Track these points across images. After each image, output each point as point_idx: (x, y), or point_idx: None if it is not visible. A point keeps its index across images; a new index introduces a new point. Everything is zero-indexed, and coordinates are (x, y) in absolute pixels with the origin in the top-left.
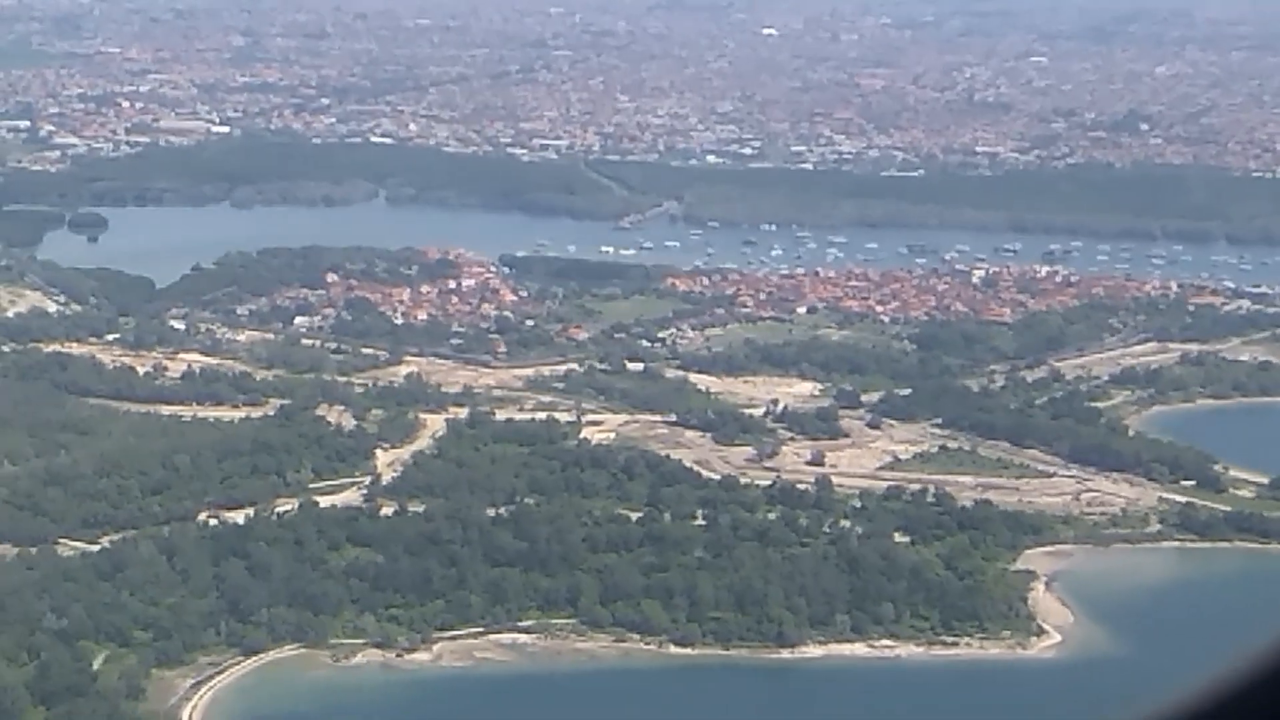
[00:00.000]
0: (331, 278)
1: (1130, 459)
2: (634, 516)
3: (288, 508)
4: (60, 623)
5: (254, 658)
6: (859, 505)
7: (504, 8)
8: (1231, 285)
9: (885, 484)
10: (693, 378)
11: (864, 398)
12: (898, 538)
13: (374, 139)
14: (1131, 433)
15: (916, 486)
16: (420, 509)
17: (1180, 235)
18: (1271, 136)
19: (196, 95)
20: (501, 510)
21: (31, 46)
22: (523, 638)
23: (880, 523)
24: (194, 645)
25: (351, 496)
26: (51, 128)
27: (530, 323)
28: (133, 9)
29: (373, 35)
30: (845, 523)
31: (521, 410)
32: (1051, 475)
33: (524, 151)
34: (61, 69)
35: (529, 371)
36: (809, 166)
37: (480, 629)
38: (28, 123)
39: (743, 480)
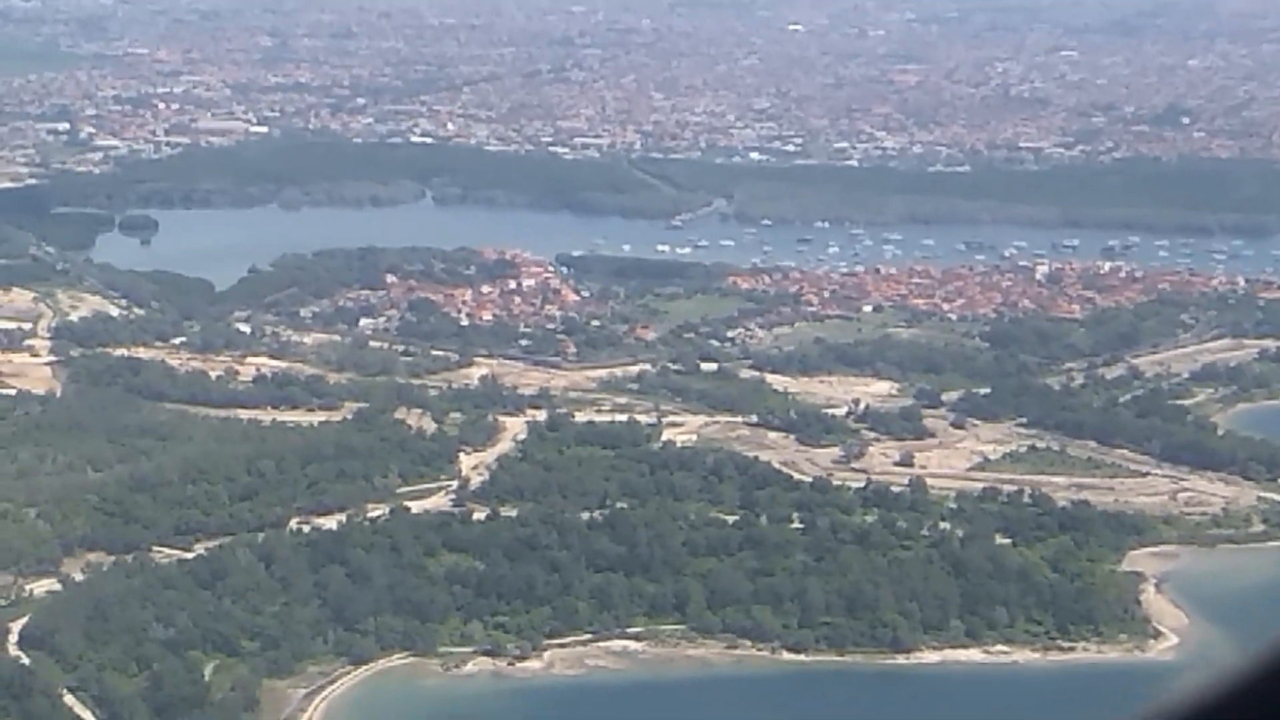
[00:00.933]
0: (391, 279)
1: (1224, 457)
2: (729, 520)
3: (378, 513)
4: (167, 632)
5: (363, 667)
6: (955, 507)
7: (526, 6)
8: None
9: (978, 485)
10: (768, 378)
11: (943, 397)
12: (999, 540)
13: (414, 139)
14: (1221, 431)
15: (1011, 487)
16: (513, 513)
17: (1237, 229)
18: None
19: (230, 96)
20: (595, 514)
21: (60, 49)
22: (633, 645)
23: (980, 524)
24: (303, 655)
25: (440, 501)
26: (91, 129)
27: (596, 323)
28: (156, 10)
29: (399, 34)
30: (944, 525)
31: (599, 412)
32: (1145, 475)
33: (566, 150)
34: (93, 70)
35: (601, 373)
36: (854, 163)
37: (589, 636)
38: (67, 125)
39: (834, 482)
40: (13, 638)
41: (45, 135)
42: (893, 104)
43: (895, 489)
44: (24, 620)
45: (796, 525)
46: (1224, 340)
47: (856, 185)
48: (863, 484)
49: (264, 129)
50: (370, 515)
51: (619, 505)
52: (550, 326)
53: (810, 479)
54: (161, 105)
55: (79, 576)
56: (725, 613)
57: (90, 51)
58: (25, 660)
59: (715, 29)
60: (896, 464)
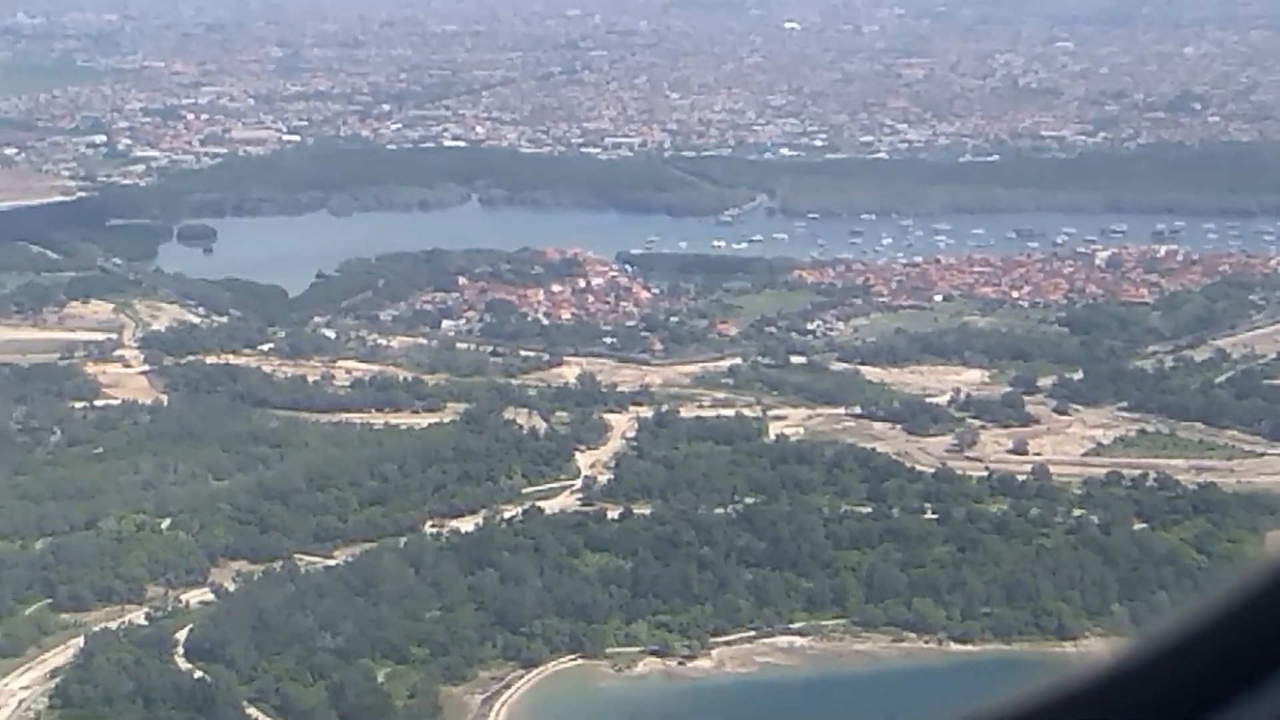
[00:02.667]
0: (462, 280)
1: None
2: (863, 512)
3: (512, 514)
4: (335, 641)
5: (535, 670)
6: (1084, 493)
7: (523, 11)
8: None
9: (1099, 470)
10: (861, 369)
11: (1039, 383)
12: (1136, 525)
13: (447, 143)
14: None
15: (1134, 471)
16: (646, 511)
17: (1277, 210)
18: None
19: (255, 105)
20: (729, 510)
21: (77, 64)
22: (799, 640)
23: (1116, 510)
24: (473, 660)
25: (568, 501)
26: (128, 141)
27: (675, 319)
28: (163, 24)
29: (406, 42)
30: (1078, 511)
31: (701, 408)
32: (1262, 455)
33: (598, 150)
34: (115, 84)
35: (693, 368)
36: (884, 156)
37: (753, 633)
38: (103, 137)
39: (956, 472)
40: (179, 650)
41: (83, 149)
42: (906, 97)
43: (1019, 477)
44: (186, 631)
45: (931, 516)
46: None
47: (892, 177)
48: (985, 473)
49: (296, 137)
50: (505, 516)
51: (748, 500)
52: (631, 324)
53: (931, 469)
54: (190, 116)
55: (230, 586)
56: (885, 606)
57: (107, 66)
58: (198, 673)
59: (713, 29)
60: (1010, 451)
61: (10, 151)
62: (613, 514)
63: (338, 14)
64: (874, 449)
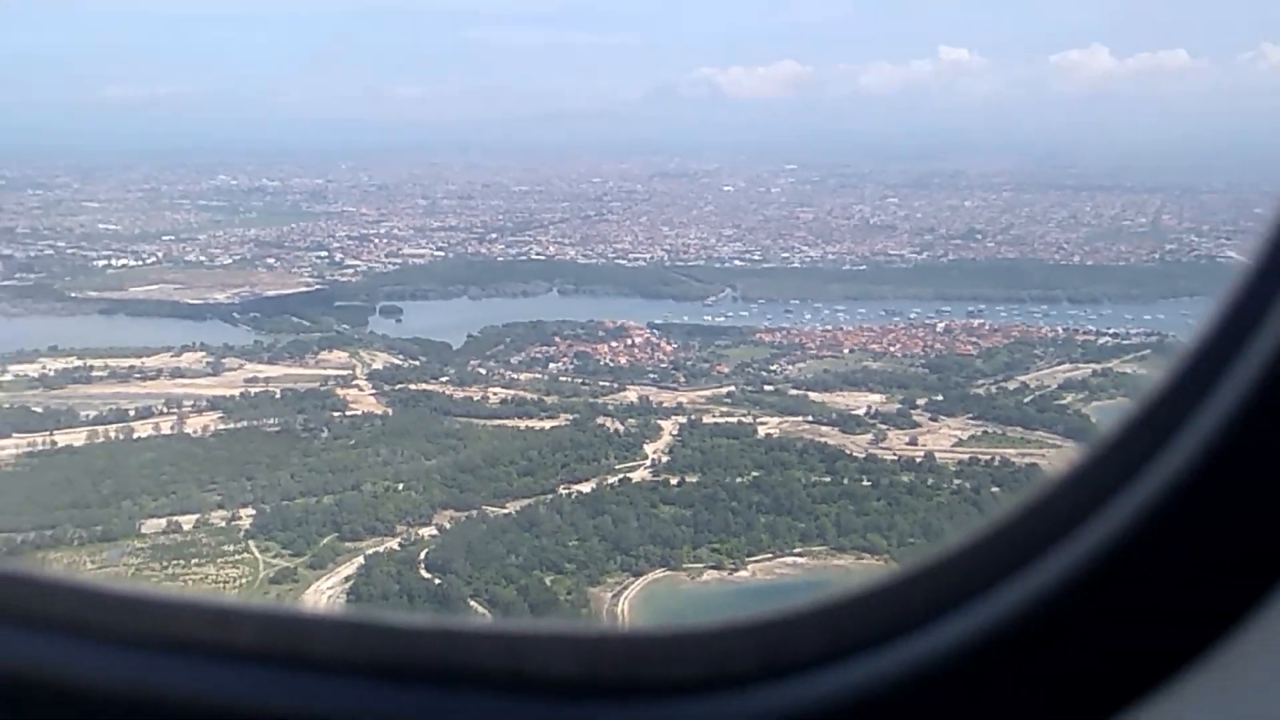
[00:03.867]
0: (557, 339)
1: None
2: (825, 481)
3: (612, 481)
4: (518, 560)
5: (640, 578)
6: (957, 470)
7: (566, 179)
8: (1093, 328)
9: (965, 455)
10: (809, 394)
11: (918, 402)
12: (994, 489)
13: (532, 256)
14: (1093, 419)
15: (986, 456)
16: (694, 480)
17: (1040, 299)
18: (1059, 240)
19: (414, 234)
20: (743, 479)
21: (302, 209)
22: (799, 560)
23: (978, 479)
24: (603, 571)
25: (643, 475)
26: (340, 255)
27: (689, 363)
28: (351, 185)
29: (498, 196)
30: (957, 481)
31: (714, 417)
32: (1060, 446)
33: (625, 261)
34: (327, 221)
35: (706, 393)
36: (797, 265)
37: (770, 555)
38: (325, 253)
39: (878, 456)
40: (421, 565)
41: (314, 259)
42: (804, 230)
43: (916, 459)
44: (423, 553)
45: (866, 484)
46: (1063, 365)
47: (804, 278)
48: (895, 457)
49: (441, 253)
50: (609, 483)
51: (754, 474)
52: (663, 366)
53: (862, 455)
54: (376, 240)
55: (447, 525)
56: (849, 538)
57: (320, 210)
58: (436, 580)
59: (681, 190)
60: (908, 443)
61: (271, 260)
62: (673, 481)
63: (455, 179)
64: (825, 442)
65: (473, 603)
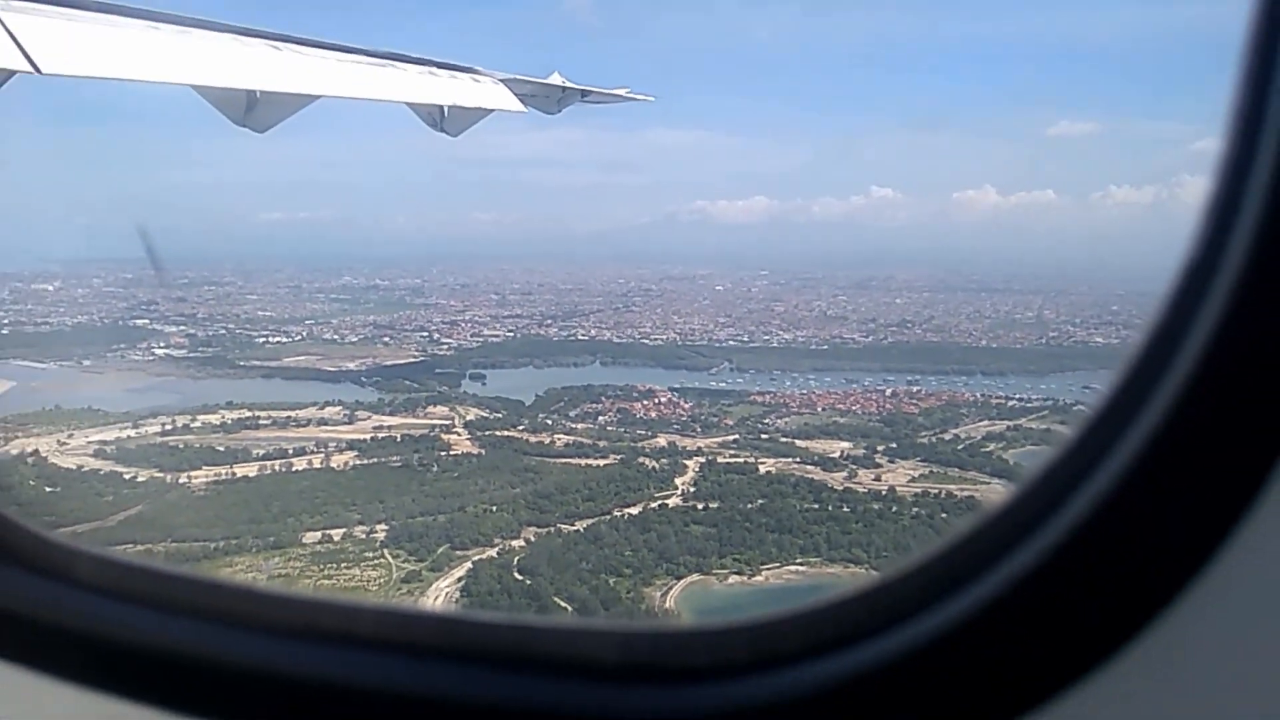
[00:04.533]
0: (603, 399)
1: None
2: (814, 507)
3: (654, 505)
4: (588, 565)
5: (680, 581)
6: (914, 500)
7: (599, 279)
8: (1003, 394)
9: (919, 488)
10: (795, 441)
11: (879, 448)
12: (942, 515)
13: (579, 337)
14: (1012, 461)
15: (936, 489)
16: (714, 505)
17: (960, 372)
18: (969, 328)
19: (489, 320)
20: (752, 505)
21: (406, 302)
22: (800, 569)
23: (932, 508)
24: (652, 575)
25: (676, 500)
26: (437, 335)
27: (704, 418)
28: (440, 284)
29: (550, 292)
30: (914, 509)
31: (725, 458)
32: (989, 483)
33: (648, 341)
34: (423, 311)
35: (718, 440)
36: (776, 345)
37: (778, 564)
38: (425, 333)
39: (852, 489)
40: (515, 569)
41: (417, 338)
42: (778, 319)
43: (882, 492)
44: (515, 559)
45: (846, 510)
46: (984, 421)
47: (782, 355)
48: (865, 490)
49: (511, 334)
50: (651, 507)
51: (760, 501)
52: (684, 419)
53: (840, 488)
54: (463, 324)
55: (532, 539)
56: (838, 552)
57: (419, 302)
58: (527, 581)
59: (684, 289)
60: (874, 480)
61: (386, 339)
62: (699, 506)
63: (517, 280)
64: (811, 478)
65: (556, 599)
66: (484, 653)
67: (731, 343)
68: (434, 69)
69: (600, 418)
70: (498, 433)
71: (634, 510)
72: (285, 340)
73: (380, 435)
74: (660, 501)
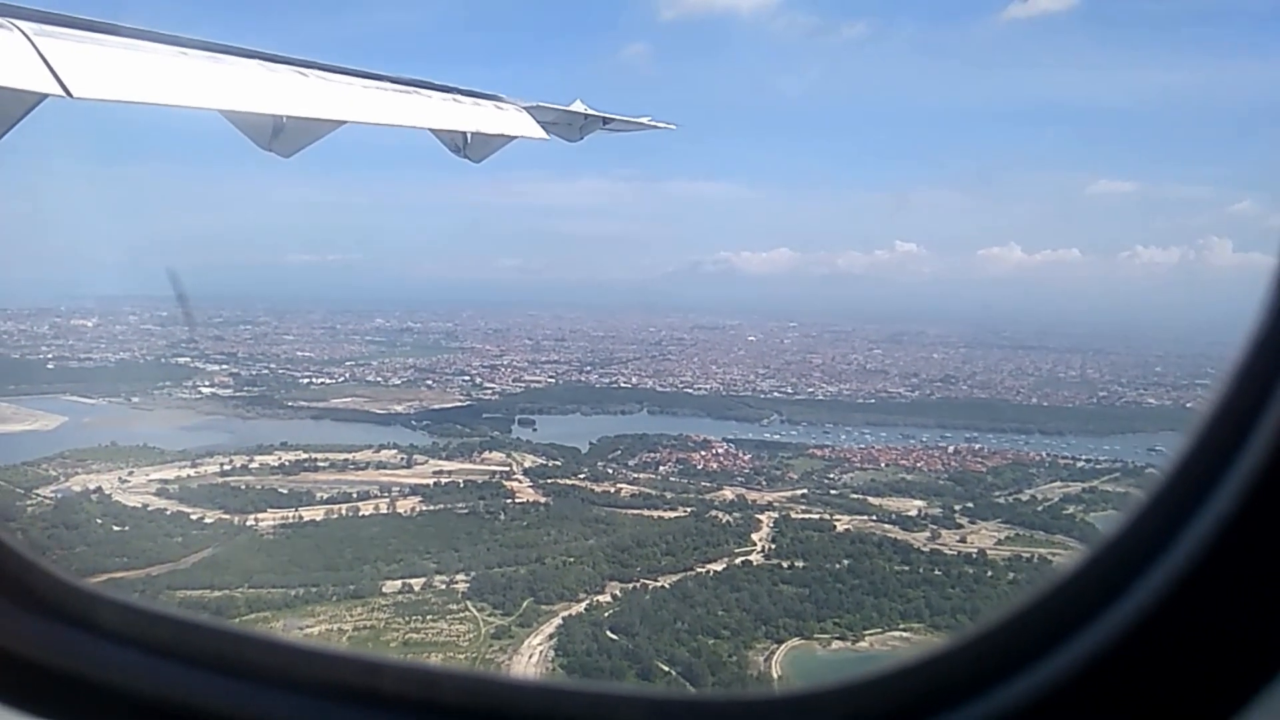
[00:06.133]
0: (660, 448)
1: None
2: (904, 569)
3: (738, 562)
4: (684, 626)
5: (782, 645)
6: (1006, 564)
7: (629, 327)
8: (1068, 455)
9: (1007, 552)
10: (866, 498)
11: (955, 507)
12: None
13: (621, 385)
14: (1097, 526)
15: (1023, 551)
16: (799, 565)
17: (1017, 431)
18: (1014, 386)
19: (528, 366)
20: (839, 566)
21: (441, 345)
22: (902, 634)
23: (1023, 571)
24: (753, 638)
25: (758, 559)
26: (479, 379)
27: (765, 470)
28: (473, 329)
29: (585, 339)
30: (1009, 574)
31: (797, 513)
32: (1069, 549)
33: (692, 390)
34: (460, 355)
35: (786, 494)
36: (821, 398)
37: (880, 630)
38: (467, 377)
39: (939, 551)
40: (606, 627)
41: (460, 382)
42: (818, 371)
43: (970, 553)
44: (606, 615)
45: (938, 573)
46: (1056, 482)
47: (830, 408)
48: (954, 552)
49: (553, 380)
50: (735, 563)
51: (845, 561)
52: (746, 471)
53: (926, 549)
54: (502, 369)
55: (618, 593)
56: (939, 619)
57: (455, 346)
58: (617, 638)
59: (716, 339)
60: (958, 541)
61: (429, 382)
62: (784, 565)
63: (548, 326)
64: (894, 538)
65: (659, 662)
66: (509, 714)
67: (776, 394)
68: (458, 96)
69: (661, 467)
70: (559, 481)
71: (717, 567)
72: (329, 381)
73: (443, 481)
74: (742, 558)
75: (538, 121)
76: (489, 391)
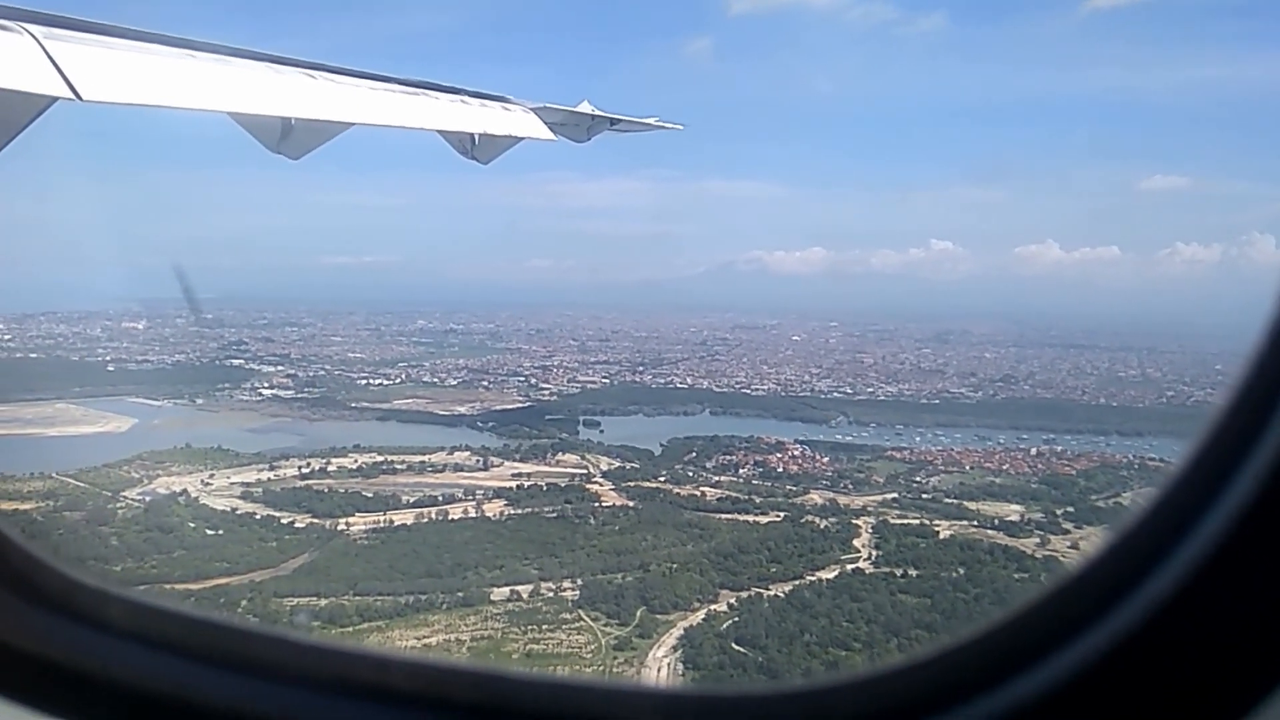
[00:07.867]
0: (735, 450)
1: None
2: (1025, 575)
3: (849, 570)
4: (810, 637)
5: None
6: None
7: (675, 328)
8: (1155, 457)
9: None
10: (960, 502)
11: (1057, 511)
12: None
13: (677, 385)
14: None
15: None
16: (913, 573)
17: (1095, 432)
18: (1075, 385)
19: (577, 368)
20: (955, 575)
21: (487, 346)
22: None
23: None
24: (883, 650)
25: (867, 566)
26: (535, 380)
27: (847, 473)
28: (516, 330)
29: (629, 339)
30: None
31: (893, 519)
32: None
33: (749, 391)
34: (508, 356)
35: (876, 498)
36: (883, 398)
37: None
38: (522, 378)
39: (1055, 557)
40: (731, 639)
41: (516, 383)
42: (872, 371)
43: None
44: (725, 626)
45: (1049, 576)
46: (1150, 486)
47: (895, 409)
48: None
49: (608, 381)
50: (846, 571)
51: (960, 570)
52: (829, 474)
53: (1041, 556)
54: (555, 370)
55: (734, 602)
56: None
57: (500, 347)
58: (745, 651)
59: (760, 339)
60: (1069, 548)
61: (485, 383)
62: (898, 573)
63: (586, 327)
64: (1003, 545)
65: (789, 674)
66: (520, 710)
67: (836, 394)
68: (465, 97)
69: (740, 470)
70: (641, 484)
71: (827, 575)
72: (387, 383)
73: (526, 484)
74: (851, 565)
75: (545, 122)
76: (545, 392)
